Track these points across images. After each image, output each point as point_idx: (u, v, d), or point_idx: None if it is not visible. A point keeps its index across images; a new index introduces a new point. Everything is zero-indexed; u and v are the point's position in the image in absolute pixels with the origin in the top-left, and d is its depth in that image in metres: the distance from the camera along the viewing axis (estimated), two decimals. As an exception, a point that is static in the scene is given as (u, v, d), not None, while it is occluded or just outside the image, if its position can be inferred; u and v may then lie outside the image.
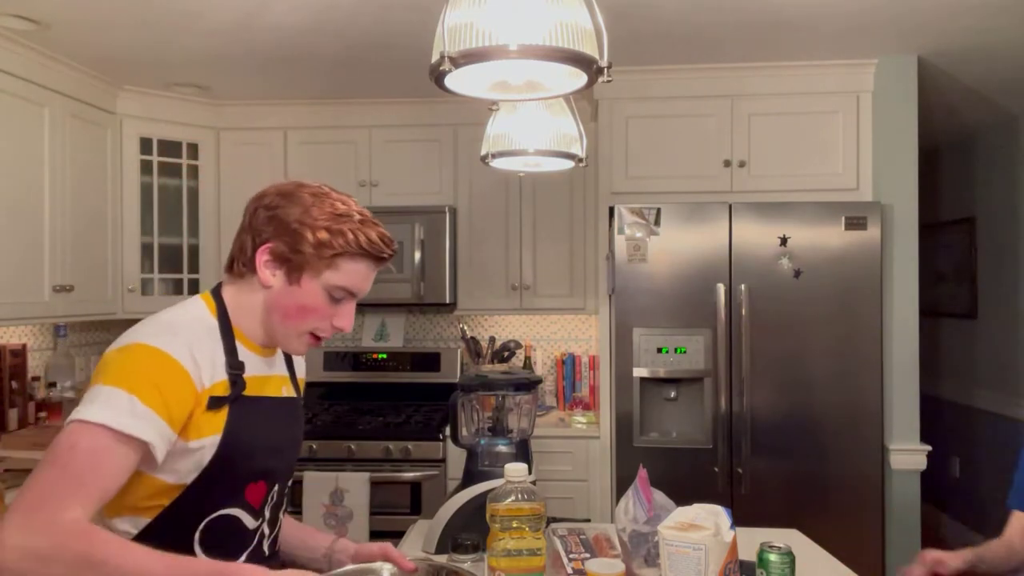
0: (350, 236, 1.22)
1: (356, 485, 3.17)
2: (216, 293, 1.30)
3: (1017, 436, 3.90)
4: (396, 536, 1.94)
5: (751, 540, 1.45)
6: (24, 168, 2.82)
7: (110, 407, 1.07)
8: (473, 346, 3.69)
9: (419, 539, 1.83)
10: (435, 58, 1.14)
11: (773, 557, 1.33)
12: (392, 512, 3.24)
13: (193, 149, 3.64)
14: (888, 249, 3.07)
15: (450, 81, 1.20)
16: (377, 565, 1.32)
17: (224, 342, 1.24)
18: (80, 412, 1.08)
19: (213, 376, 1.20)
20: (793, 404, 2.99)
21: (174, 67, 3.17)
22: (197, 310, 1.26)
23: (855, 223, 2.98)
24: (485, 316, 3.98)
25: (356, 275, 1.25)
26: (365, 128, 3.70)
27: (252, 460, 1.25)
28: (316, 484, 3.19)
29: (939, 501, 4.64)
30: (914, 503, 3.06)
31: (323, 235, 1.22)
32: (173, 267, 3.58)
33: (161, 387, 1.11)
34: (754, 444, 2.99)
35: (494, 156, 1.85)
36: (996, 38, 2.85)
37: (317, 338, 1.29)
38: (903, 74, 3.10)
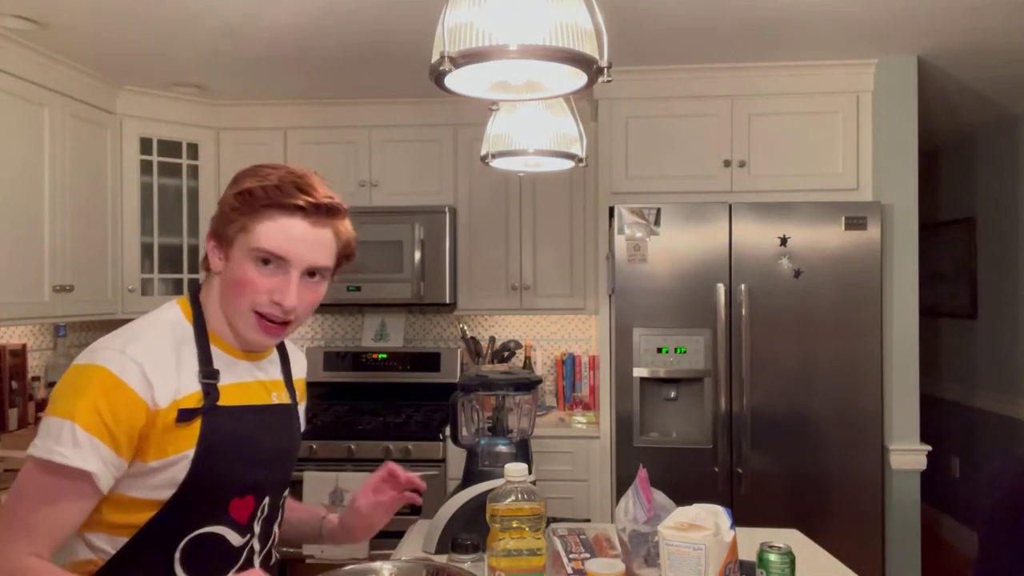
0: (259, 192, 1.15)
1: (356, 485, 3.15)
2: (193, 296, 1.24)
3: (1017, 436, 3.90)
4: (396, 536, 1.95)
5: (751, 540, 1.45)
6: (24, 168, 2.82)
7: (54, 439, 1.07)
8: (473, 346, 3.69)
9: (419, 539, 1.83)
10: (435, 58, 1.14)
11: (773, 557, 1.33)
12: (392, 512, 3.24)
13: (193, 149, 3.64)
14: (888, 249, 3.07)
15: (450, 81, 1.20)
16: (377, 565, 1.32)
17: (199, 349, 1.18)
18: (32, 447, 1.10)
19: (179, 390, 1.13)
20: (793, 404, 2.99)
21: (174, 67, 3.17)
22: (170, 317, 1.20)
23: (855, 223, 2.98)
24: (485, 316, 3.98)
25: (276, 234, 1.15)
26: (365, 128, 3.70)
27: (233, 475, 1.17)
28: (316, 484, 3.19)
29: (939, 501, 4.64)
30: (914, 503, 3.06)
31: (233, 199, 1.17)
32: (173, 267, 3.58)
33: (103, 411, 1.07)
34: (754, 444, 2.99)
35: (494, 156, 1.85)
36: (996, 38, 2.85)
37: (270, 321, 1.18)
38: (903, 74, 3.10)
